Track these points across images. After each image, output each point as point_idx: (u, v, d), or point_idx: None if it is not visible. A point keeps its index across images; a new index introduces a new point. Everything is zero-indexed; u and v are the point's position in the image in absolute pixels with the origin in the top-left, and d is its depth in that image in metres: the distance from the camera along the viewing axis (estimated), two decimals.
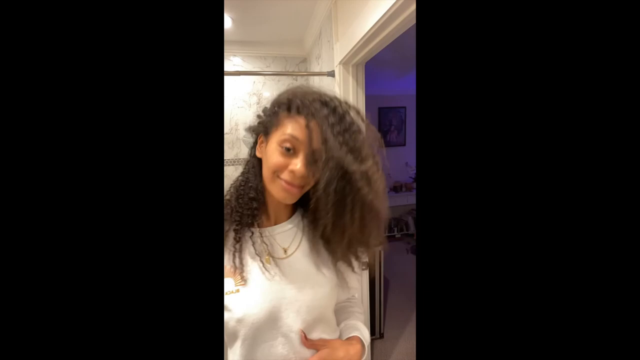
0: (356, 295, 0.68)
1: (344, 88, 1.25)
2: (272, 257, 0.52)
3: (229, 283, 0.50)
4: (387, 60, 2.29)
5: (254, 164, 0.55)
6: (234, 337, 0.51)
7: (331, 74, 1.33)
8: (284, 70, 2.04)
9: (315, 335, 0.52)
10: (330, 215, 0.45)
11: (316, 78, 1.80)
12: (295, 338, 0.50)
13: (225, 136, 2.01)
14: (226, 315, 0.49)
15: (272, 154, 0.48)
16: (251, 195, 0.53)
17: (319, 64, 1.70)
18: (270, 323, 0.49)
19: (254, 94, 2.05)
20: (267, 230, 0.54)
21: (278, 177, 0.48)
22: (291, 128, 0.46)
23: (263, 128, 0.51)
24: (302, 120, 0.46)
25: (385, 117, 3.72)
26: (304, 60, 2.09)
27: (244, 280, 0.50)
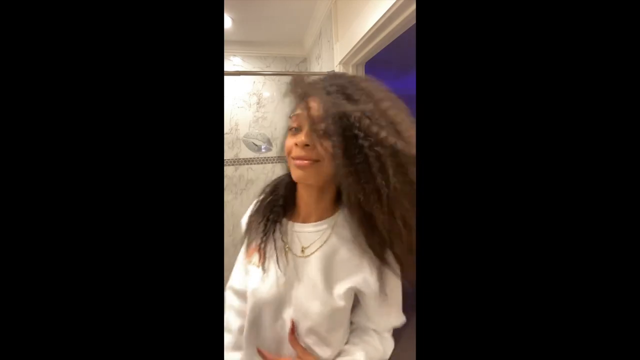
0: (386, 334, 0.59)
1: None
2: (290, 252, 0.53)
3: (255, 257, 0.55)
4: (387, 60, 2.29)
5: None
6: (247, 304, 0.55)
7: None
8: (284, 70, 2.04)
9: (306, 340, 0.51)
10: (351, 170, 0.41)
11: None
12: (287, 331, 0.52)
13: (225, 136, 2.01)
14: (246, 282, 0.56)
15: (285, 141, 0.49)
16: (281, 192, 0.55)
17: (319, 64, 1.70)
18: (270, 309, 0.51)
19: (254, 94, 2.05)
20: (295, 226, 0.54)
21: (292, 159, 0.47)
22: (297, 110, 0.48)
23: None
24: (306, 99, 0.46)
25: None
26: (304, 60, 2.09)
27: (263, 261, 0.53)
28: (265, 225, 0.55)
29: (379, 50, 1.05)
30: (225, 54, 1.87)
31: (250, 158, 2.09)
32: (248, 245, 0.59)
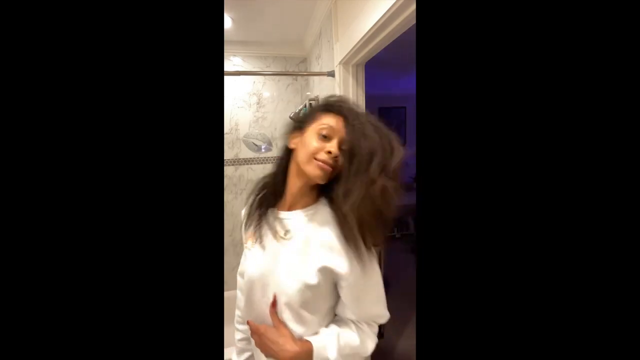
0: (365, 326, 0.62)
1: (344, 88, 1.25)
2: (276, 236, 0.63)
3: (249, 242, 0.68)
4: (387, 60, 2.29)
5: (283, 158, 0.67)
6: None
7: (331, 74, 1.33)
8: (284, 70, 2.04)
9: (283, 315, 0.59)
10: (351, 179, 0.54)
11: (316, 78, 1.80)
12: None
13: (225, 136, 2.00)
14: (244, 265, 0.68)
15: (310, 141, 0.59)
16: (271, 187, 0.67)
17: (319, 64, 1.70)
18: (259, 286, 0.62)
19: (254, 94, 2.05)
20: (281, 214, 0.65)
21: (315, 159, 0.58)
22: (327, 120, 0.60)
23: (299, 124, 0.64)
24: (336, 115, 0.61)
25: (385, 117, 3.69)
26: (304, 60, 2.09)
27: (256, 244, 0.65)
28: (259, 215, 0.67)
29: (379, 50, 1.05)
30: (225, 54, 1.87)
31: (250, 158, 2.09)
32: (245, 233, 0.71)
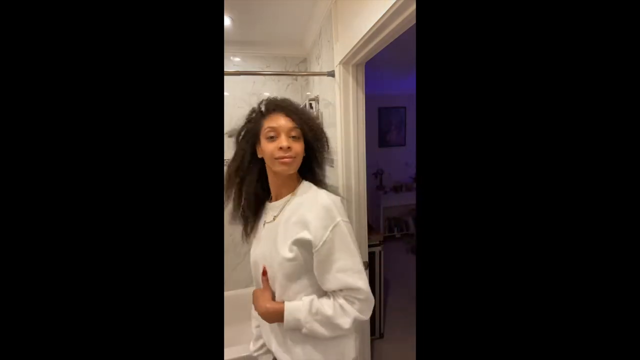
0: (341, 298, 0.67)
1: (344, 88, 1.25)
2: (265, 222, 0.78)
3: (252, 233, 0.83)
4: (387, 60, 2.29)
5: (253, 165, 0.78)
6: None
7: (331, 74, 1.33)
8: (284, 70, 2.04)
9: (274, 287, 0.72)
10: (312, 152, 0.75)
11: (316, 78, 1.80)
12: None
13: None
14: None
15: (265, 147, 0.70)
16: (259, 189, 0.80)
17: (319, 64, 1.70)
18: (259, 266, 0.76)
19: (254, 94, 2.05)
20: (269, 205, 0.79)
21: (275, 159, 0.69)
22: (268, 123, 0.71)
23: (253, 136, 0.74)
24: (273, 114, 0.71)
25: (385, 117, 3.72)
26: (304, 60, 2.09)
27: (256, 235, 0.81)
28: (254, 215, 0.82)
29: (379, 50, 1.05)
30: (225, 54, 1.87)
31: None
32: (249, 233, 0.85)
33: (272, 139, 0.69)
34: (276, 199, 0.78)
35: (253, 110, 0.77)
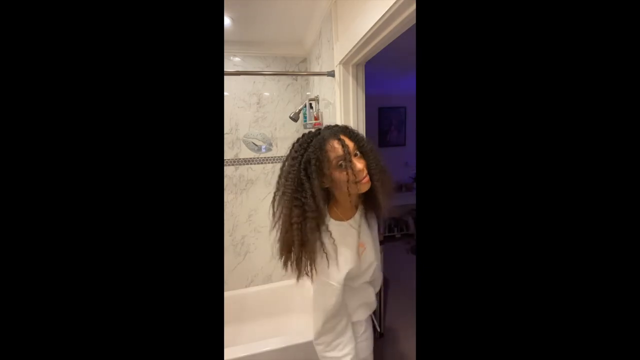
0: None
1: (344, 88, 1.25)
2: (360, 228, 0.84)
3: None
4: (387, 60, 2.29)
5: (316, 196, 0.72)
6: None
7: (331, 74, 1.33)
8: (284, 70, 2.04)
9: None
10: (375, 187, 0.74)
11: (316, 78, 1.80)
12: None
13: (225, 136, 2.00)
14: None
15: (338, 177, 0.70)
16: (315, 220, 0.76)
17: (319, 64, 1.70)
18: (372, 267, 0.89)
19: (254, 94, 2.05)
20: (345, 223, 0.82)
21: (355, 183, 0.69)
22: (331, 153, 0.69)
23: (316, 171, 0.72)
24: (334, 142, 0.70)
25: (385, 117, 3.71)
26: (304, 60, 2.09)
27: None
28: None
29: (379, 50, 1.05)
30: (225, 54, 1.87)
31: (250, 158, 2.09)
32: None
33: (341, 166, 0.69)
34: (349, 216, 0.80)
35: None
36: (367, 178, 0.70)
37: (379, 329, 1.92)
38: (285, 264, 0.75)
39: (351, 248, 0.77)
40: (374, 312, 1.84)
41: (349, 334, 0.79)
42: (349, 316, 0.84)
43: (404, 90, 3.48)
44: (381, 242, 1.76)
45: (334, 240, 0.74)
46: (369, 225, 0.87)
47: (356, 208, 0.83)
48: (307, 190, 0.68)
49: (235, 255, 2.03)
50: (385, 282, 2.07)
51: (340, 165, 0.68)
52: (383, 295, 1.90)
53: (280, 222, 0.73)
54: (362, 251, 0.81)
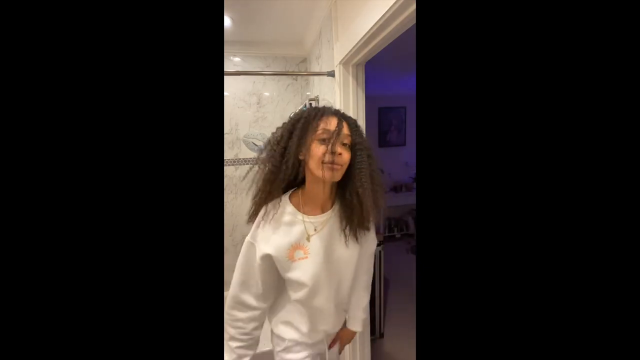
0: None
1: (344, 88, 1.25)
2: (308, 235, 0.77)
3: None
4: (387, 60, 2.29)
5: (293, 167, 0.68)
6: None
7: (331, 74, 1.33)
8: (284, 70, 2.04)
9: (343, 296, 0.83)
10: (358, 179, 0.67)
11: (316, 78, 1.80)
12: None
13: (225, 136, 2.01)
14: None
15: (315, 149, 0.65)
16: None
17: (319, 64, 1.70)
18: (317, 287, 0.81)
19: (254, 94, 2.05)
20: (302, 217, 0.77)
21: (323, 163, 0.64)
22: (323, 124, 0.66)
23: (302, 136, 0.66)
24: (329, 117, 0.68)
25: (385, 117, 3.71)
26: (304, 60, 2.09)
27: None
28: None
29: (379, 50, 1.05)
30: (225, 54, 1.87)
31: (250, 158, 2.09)
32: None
33: (323, 141, 0.65)
34: (307, 212, 0.73)
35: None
36: (340, 168, 0.66)
37: (379, 329, 1.92)
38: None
39: (280, 240, 0.70)
40: (374, 313, 1.84)
41: (252, 332, 0.75)
42: (267, 314, 0.79)
43: (404, 90, 3.47)
44: (381, 242, 1.76)
45: (273, 216, 0.69)
46: (344, 242, 0.73)
47: (322, 209, 0.74)
48: (282, 142, 0.66)
49: (235, 255, 2.02)
50: (386, 282, 2.07)
51: (324, 140, 0.65)
52: (383, 295, 1.90)
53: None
54: (299, 257, 0.71)
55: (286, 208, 0.72)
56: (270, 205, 0.70)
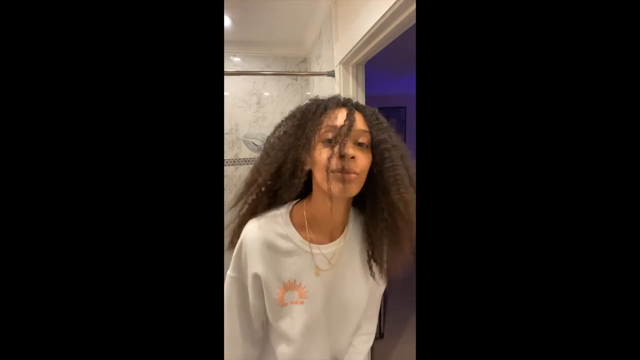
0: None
1: (344, 88, 1.25)
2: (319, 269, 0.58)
3: None
4: (387, 60, 2.29)
5: (296, 178, 0.50)
6: None
7: (331, 74, 1.33)
8: (284, 70, 2.04)
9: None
10: (394, 189, 0.47)
11: (316, 78, 1.80)
12: None
13: (225, 136, 2.01)
14: None
15: (319, 154, 0.46)
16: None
17: (319, 64, 1.70)
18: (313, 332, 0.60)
19: (254, 94, 2.05)
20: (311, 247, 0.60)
21: (329, 171, 0.45)
22: (327, 120, 0.47)
23: (305, 137, 0.48)
24: (336, 110, 0.49)
25: (385, 117, 3.71)
26: (304, 60, 2.09)
27: None
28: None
29: (379, 50, 1.05)
30: (225, 54, 1.87)
31: (250, 158, 2.09)
32: None
33: (329, 143, 0.46)
34: (317, 241, 0.52)
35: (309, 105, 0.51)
36: (355, 178, 0.45)
37: (379, 329, 1.92)
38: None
39: (270, 273, 0.50)
40: None
41: None
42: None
43: (404, 90, 3.47)
44: None
45: (262, 242, 0.49)
46: (361, 280, 0.54)
47: (330, 236, 0.53)
48: (278, 147, 0.49)
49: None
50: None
51: (329, 140, 0.46)
52: (383, 295, 1.90)
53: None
54: (291, 301, 0.50)
55: (284, 229, 0.52)
56: (260, 218, 0.53)
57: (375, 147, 0.49)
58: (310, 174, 0.51)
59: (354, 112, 0.48)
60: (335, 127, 0.46)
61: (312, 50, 1.87)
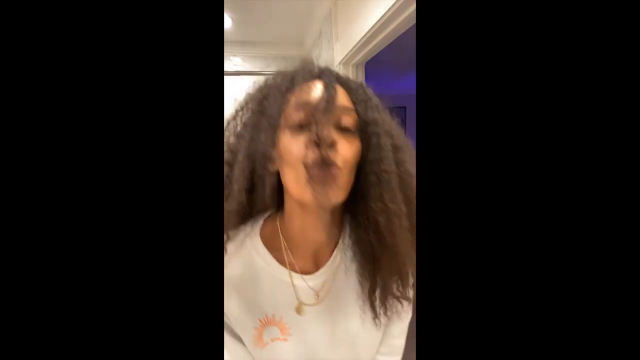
0: None
1: None
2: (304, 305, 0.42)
3: None
4: (387, 60, 2.29)
5: (264, 181, 0.34)
6: None
7: None
8: (284, 70, 2.04)
9: None
10: (376, 195, 0.32)
11: None
12: None
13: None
14: None
15: (288, 144, 0.32)
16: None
17: None
18: None
19: None
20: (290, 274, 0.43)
21: (305, 167, 0.31)
22: (297, 99, 0.33)
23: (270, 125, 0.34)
24: (311, 84, 0.34)
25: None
26: None
27: None
28: None
29: (379, 50, 1.06)
30: (225, 54, 1.87)
31: None
32: None
33: (301, 129, 0.32)
34: (300, 267, 0.38)
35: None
36: (339, 174, 0.31)
37: None
38: None
39: (240, 308, 0.37)
40: None
41: None
42: None
43: (404, 90, 3.47)
44: None
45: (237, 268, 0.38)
46: (359, 318, 0.38)
47: (315, 261, 0.39)
48: (233, 143, 0.36)
49: None
50: None
51: (301, 127, 0.32)
52: None
53: None
54: (272, 338, 0.37)
55: (253, 253, 0.39)
56: (229, 246, 0.40)
57: (362, 132, 0.34)
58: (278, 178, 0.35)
59: (334, 85, 0.34)
60: (307, 103, 0.32)
61: (312, 50, 1.87)
